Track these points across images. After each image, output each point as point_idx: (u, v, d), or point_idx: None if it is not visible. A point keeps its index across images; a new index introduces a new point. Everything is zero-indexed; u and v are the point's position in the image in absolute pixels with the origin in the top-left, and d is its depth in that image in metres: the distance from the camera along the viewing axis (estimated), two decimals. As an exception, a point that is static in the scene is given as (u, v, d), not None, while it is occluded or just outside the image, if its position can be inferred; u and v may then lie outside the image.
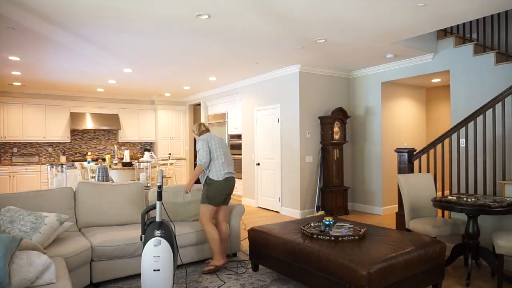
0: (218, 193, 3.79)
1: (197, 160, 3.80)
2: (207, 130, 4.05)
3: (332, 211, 6.47)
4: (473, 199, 3.57)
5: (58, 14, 3.85)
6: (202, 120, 9.90)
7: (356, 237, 3.15)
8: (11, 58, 5.69)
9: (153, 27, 4.31)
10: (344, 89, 7.13)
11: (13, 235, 2.28)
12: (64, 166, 7.05)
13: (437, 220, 3.91)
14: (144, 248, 2.75)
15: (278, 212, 6.98)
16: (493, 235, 3.33)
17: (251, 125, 7.78)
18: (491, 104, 4.19)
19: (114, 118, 9.83)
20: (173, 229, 3.36)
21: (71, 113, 9.28)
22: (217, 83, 8.27)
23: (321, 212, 6.54)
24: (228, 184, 3.84)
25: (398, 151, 4.99)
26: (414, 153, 4.96)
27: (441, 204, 3.58)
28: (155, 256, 2.72)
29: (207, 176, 3.81)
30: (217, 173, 3.78)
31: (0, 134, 8.47)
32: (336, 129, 6.60)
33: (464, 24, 5.70)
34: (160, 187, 2.81)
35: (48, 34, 4.53)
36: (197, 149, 3.87)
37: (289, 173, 6.68)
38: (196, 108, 11.27)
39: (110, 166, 7.36)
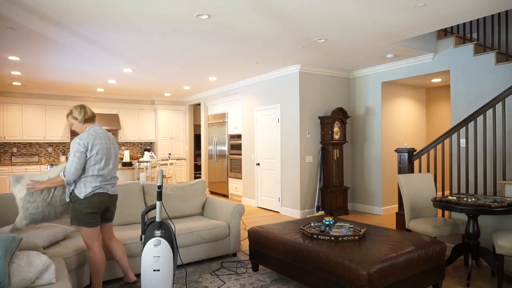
0: (85, 212, 2.93)
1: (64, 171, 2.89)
2: (93, 118, 3.11)
3: (332, 211, 6.47)
4: (473, 199, 3.57)
5: (58, 14, 3.84)
6: (202, 120, 9.89)
7: (356, 237, 3.15)
8: (11, 58, 5.69)
9: (153, 27, 4.31)
10: (344, 89, 7.13)
11: (13, 235, 2.27)
12: (64, 166, 7.04)
13: (437, 220, 3.91)
14: (144, 248, 2.74)
15: (278, 212, 6.98)
16: (493, 235, 3.33)
17: (251, 125, 7.78)
18: (491, 104, 4.19)
19: (114, 118, 9.83)
20: (173, 229, 3.36)
21: (71, 113, 9.26)
22: (217, 83, 8.27)
23: (321, 212, 6.54)
24: (95, 201, 2.95)
25: (398, 151, 4.99)
26: (414, 153, 4.96)
27: (441, 204, 3.58)
28: (155, 256, 2.71)
29: (72, 190, 2.94)
30: (85, 189, 2.91)
31: (0, 134, 8.47)
32: (336, 129, 6.60)
33: (464, 24, 5.70)
34: (160, 187, 2.81)
35: (48, 34, 4.53)
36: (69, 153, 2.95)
37: (289, 173, 6.68)
38: (196, 108, 11.27)
39: (110, 166, 7.35)
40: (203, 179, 4.85)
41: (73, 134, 9.60)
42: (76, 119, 3.03)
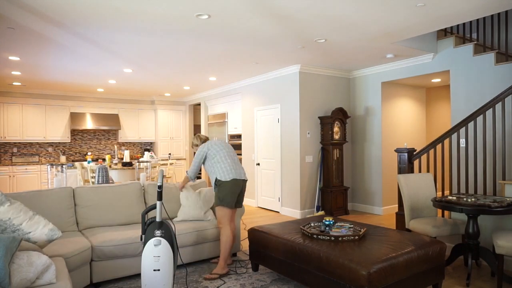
0: (229, 193, 3.67)
1: (188, 172, 3.87)
2: (207, 139, 4.06)
3: (332, 211, 6.47)
4: (473, 199, 3.57)
5: (58, 14, 3.85)
6: (202, 120, 9.90)
7: (356, 237, 3.15)
8: (11, 58, 5.69)
9: (153, 27, 4.31)
10: (344, 89, 7.13)
11: (13, 235, 2.27)
12: (64, 166, 7.06)
13: (437, 220, 3.91)
14: (144, 248, 2.75)
15: (278, 212, 6.98)
16: (493, 235, 3.33)
17: (251, 125, 7.78)
18: (491, 104, 4.19)
19: (114, 118, 9.83)
20: (174, 229, 3.37)
21: (71, 113, 9.28)
22: (217, 83, 8.27)
23: (321, 212, 6.54)
24: (237, 185, 3.73)
25: (398, 151, 5.00)
26: (414, 153, 4.96)
27: (441, 204, 3.58)
28: (155, 256, 2.72)
29: (215, 178, 3.73)
30: (224, 174, 3.69)
31: (0, 134, 8.47)
32: (336, 129, 6.60)
33: (464, 24, 5.70)
34: (160, 187, 2.81)
35: (48, 34, 4.53)
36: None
37: (289, 173, 6.68)
38: (196, 108, 11.27)
39: (110, 166, 7.37)
40: (204, 179, 4.86)
41: (74, 134, 9.61)
42: (196, 145, 4.04)
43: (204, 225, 4.08)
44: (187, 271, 3.82)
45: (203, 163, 3.83)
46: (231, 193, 3.68)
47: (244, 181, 3.81)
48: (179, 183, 4.06)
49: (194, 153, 4.05)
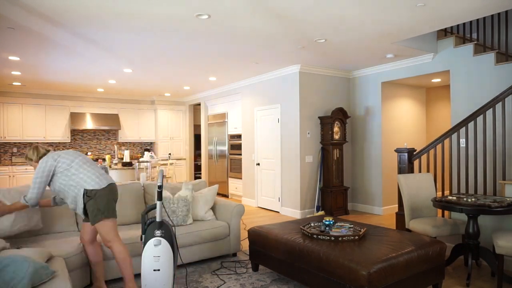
0: (109, 200, 2.96)
1: (27, 196, 2.89)
2: (47, 152, 3.06)
3: (332, 211, 6.47)
4: (473, 199, 3.57)
5: (58, 14, 3.85)
6: (202, 120, 9.90)
7: (356, 237, 3.15)
8: (11, 58, 5.69)
9: (153, 27, 4.31)
10: (344, 89, 7.13)
11: (47, 265, 2.32)
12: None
13: (437, 220, 3.91)
14: (144, 248, 2.74)
15: (278, 212, 6.98)
16: (493, 235, 3.33)
17: (251, 125, 7.78)
18: (491, 104, 4.19)
19: (114, 118, 9.83)
20: (174, 229, 3.36)
21: (71, 113, 9.28)
22: (217, 83, 8.27)
23: (321, 212, 6.54)
24: (115, 190, 3.06)
25: (398, 151, 4.99)
26: (414, 153, 4.96)
27: (441, 204, 3.58)
28: (155, 256, 2.71)
29: (84, 189, 2.88)
30: (97, 181, 2.93)
31: (0, 134, 8.47)
32: (336, 129, 6.60)
33: (464, 24, 5.70)
34: (160, 187, 2.81)
35: (48, 34, 4.53)
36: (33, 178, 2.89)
37: (289, 173, 6.68)
38: (196, 108, 11.27)
39: (110, 166, 7.37)
40: (204, 179, 4.85)
41: (74, 134, 9.60)
42: (31, 160, 3.03)
43: (204, 225, 4.08)
44: (187, 271, 3.82)
45: (50, 182, 2.94)
46: (113, 200, 3.00)
47: (116, 185, 3.11)
48: (2, 206, 3.07)
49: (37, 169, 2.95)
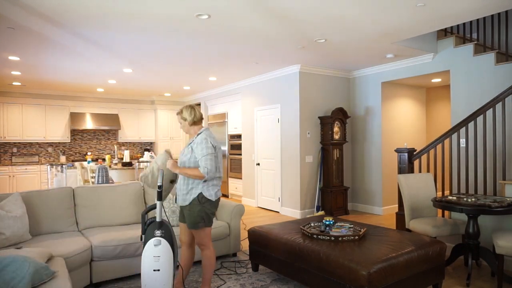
0: (213, 212, 3.01)
1: (201, 167, 2.82)
2: (202, 120, 3.09)
3: (332, 211, 6.47)
4: (473, 199, 3.57)
5: (58, 14, 3.84)
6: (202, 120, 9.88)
7: (356, 237, 3.15)
8: (11, 58, 5.69)
9: (153, 27, 4.31)
10: (344, 89, 7.13)
11: (47, 265, 2.31)
12: (64, 166, 7.06)
13: (437, 220, 3.91)
14: (144, 248, 2.74)
15: (278, 212, 6.98)
16: (493, 235, 3.33)
17: (251, 125, 7.78)
18: (491, 104, 4.19)
19: (114, 118, 9.83)
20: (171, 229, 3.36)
21: (71, 113, 9.28)
22: (217, 83, 8.27)
23: (321, 212, 6.54)
24: (218, 203, 3.08)
25: (398, 151, 4.99)
26: (414, 153, 4.96)
27: (441, 204, 3.58)
28: (155, 256, 2.71)
29: (200, 193, 2.89)
30: (215, 192, 2.96)
31: (0, 134, 8.47)
32: (336, 129, 6.60)
33: (464, 24, 5.70)
34: (160, 187, 2.81)
35: (48, 34, 4.53)
36: (196, 150, 2.89)
37: (289, 173, 6.68)
38: (196, 108, 11.26)
39: (110, 166, 7.37)
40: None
41: (74, 134, 9.60)
42: (186, 120, 3.01)
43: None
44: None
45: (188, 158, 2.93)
46: (214, 213, 3.04)
47: None
48: (182, 169, 2.91)
49: (180, 124, 3.03)
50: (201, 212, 2.90)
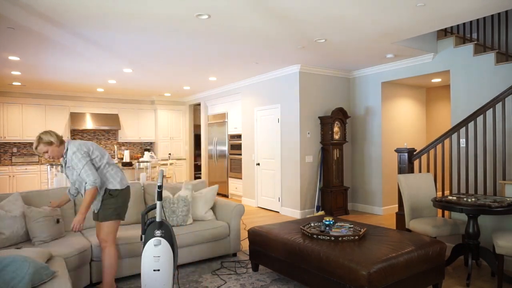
0: (126, 204, 3.09)
1: (87, 182, 2.84)
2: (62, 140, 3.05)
3: (332, 211, 6.47)
4: (473, 199, 3.57)
5: (58, 14, 3.84)
6: (202, 120, 9.90)
7: (356, 237, 3.15)
8: (11, 58, 5.69)
9: (153, 27, 4.31)
10: (344, 89, 7.13)
11: (47, 265, 2.30)
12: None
13: (437, 220, 3.91)
14: (144, 248, 2.74)
15: (278, 212, 6.98)
16: (493, 235, 3.33)
17: (251, 125, 7.78)
18: (491, 104, 4.19)
19: (114, 118, 9.83)
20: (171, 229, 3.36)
21: (71, 113, 9.28)
22: (217, 83, 8.27)
23: (321, 212, 6.54)
24: (129, 193, 3.18)
25: (398, 151, 4.99)
26: (414, 153, 4.96)
27: (441, 204, 3.58)
28: (155, 256, 2.71)
29: (106, 188, 2.98)
30: (120, 181, 3.05)
31: (0, 134, 8.47)
32: (336, 129, 6.60)
33: (464, 24, 5.70)
34: (160, 187, 2.81)
35: (48, 34, 4.53)
36: (73, 166, 2.90)
37: (289, 173, 6.68)
38: (196, 108, 11.27)
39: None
40: (204, 179, 4.86)
41: (74, 134, 9.60)
42: (51, 143, 2.93)
43: (204, 225, 4.08)
44: (188, 271, 3.81)
45: (66, 171, 2.99)
46: (126, 203, 3.12)
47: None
48: (79, 214, 2.88)
49: (46, 152, 2.94)
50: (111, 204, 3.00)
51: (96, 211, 3.05)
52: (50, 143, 2.92)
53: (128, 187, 3.13)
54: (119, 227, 3.88)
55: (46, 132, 2.95)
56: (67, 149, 2.97)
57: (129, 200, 3.15)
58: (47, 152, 2.94)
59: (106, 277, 3.03)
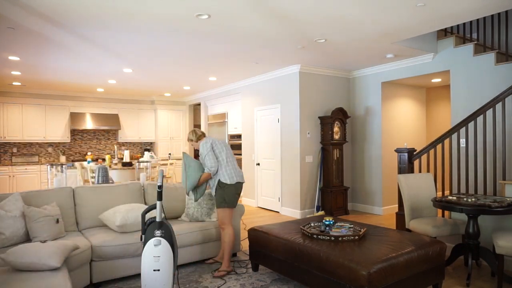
0: (234, 194, 3.76)
1: (206, 167, 3.71)
2: (204, 135, 3.97)
3: (332, 211, 6.47)
4: (473, 199, 3.57)
5: (58, 14, 3.85)
6: (202, 120, 9.91)
7: (356, 237, 3.15)
8: (11, 58, 5.69)
9: (153, 27, 4.31)
10: (344, 89, 7.13)
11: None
12: (64, 166, 7.06)
13: (437, 220, 3.91)
14: (144, 248, 2.74)
15: (278, 212, 6.98)
16: (493, 235, 3.33)
17: (251, 125, 7.78)
18: (491, 104, 4.19)
19: (114, 118, 9.83)
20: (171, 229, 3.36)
21: (71, 113, 9.28)
22: (217, 83, 8.27)
23: (321, 212, 6.54)
24: (240, 186, 3.83)
25: (398, 151, 4.99)
26: (414, 153, 4.96)
27: (441, 204, 3.58)
28: (155, 256, 2.71)
29: (219, 180, 3.73)
30: (230, 177, 3.73)
31: (0, 134, 8.47)
32: (336, 129, 6.60)
33: (464, 24, 5.70)
34: (160, 187, 2.81)
35: (48, 34, 4.53)
36: (201, 154, 3.76)
37: (289, 173, 6.68)
38: (196, 108, 11.27)
39: (110, 166, 7.37)
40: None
41: (73, 134, 9.61)
42: (191, 140, 3.93)
43: (205, 225, 4.08)
44: (187, 271, 3.81)
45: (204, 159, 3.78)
46: (236, 195, 3.78)
47: (243, 183, 3.92)
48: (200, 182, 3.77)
49: (195, 150, 3.93)
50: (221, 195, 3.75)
51: (213, 195, 3.84)
52: (190, 140, 3.96)
53: (236, 183, 3.75)
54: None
55: (191, 133, 3.96)
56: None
57: (239, 193, 3.81)
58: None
59: (226, 251, 3.75)
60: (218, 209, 3.75)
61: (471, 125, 4.93)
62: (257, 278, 3.61)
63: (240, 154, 8.29)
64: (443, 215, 4.69)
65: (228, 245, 3.75)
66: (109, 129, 10.02)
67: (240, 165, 8.33)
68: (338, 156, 6.68)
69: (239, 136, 8.37)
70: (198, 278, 3.63)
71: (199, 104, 10.65)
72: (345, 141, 6.72)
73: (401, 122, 7.01)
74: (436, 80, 6.57)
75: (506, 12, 5.32)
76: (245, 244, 4.72)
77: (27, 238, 3.32)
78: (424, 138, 7.42)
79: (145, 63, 6.16)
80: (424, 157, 6.78)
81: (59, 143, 9.46)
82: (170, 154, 10.50)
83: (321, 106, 6.77)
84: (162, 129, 10.53)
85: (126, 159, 8.35)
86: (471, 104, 5.26)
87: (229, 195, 3.71)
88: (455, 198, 3.71)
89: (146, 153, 8.47)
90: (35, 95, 8.88)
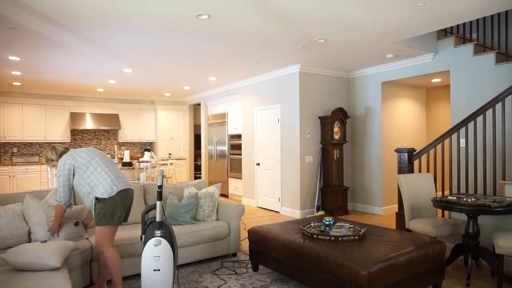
0: (119, 207, 2.95)
1: (57, 198, 2.99)
2: (68, 149, 3.13)
3: (332, 211, 6.47)
4: (473, 199, 3.57)
5: (58, 14, 3.85)
6: (202, 120, 9.91)
7: (356, 237, 3.15)
8: (11, 58, 5.69)
9: (153, 27, 4.31)
10: (344, 89, 7.13)
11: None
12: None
13: (437, 220, 3.91)
14: (144, 248, 2.74)
15: (278, 212, 6.98)
16: (493, 235, 3.33)
17: (251, 125, 7.78)
18: (491, 104, 4.19)
19: (114, 118, 9.83)
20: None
21: (71, 113, 9.28)
22: (217, 83, 8.27)
23: (321, 212, 6.54)
24: (126, 195, 3.03)
25: (398, 151, 4.99)
26: (414, 153, 4.96)
27: (441, 204, 3.58)
28: (155, 256, 2.71)
29: (95, 197, 2.91)
30: (108, 189, 2.92)
31: (0, 134, 8.47)
32: (336, 129, 6.60)
33: (464, 24, 5.70)
34: (160, 187, 2.81)
35: (48, 34, 4.53)
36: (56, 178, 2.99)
37: (289, 173, 6.68)
38: (196, 108, 11.27)
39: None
40: (204, 179, 4.86)
41: (74, 134, 9.61)
42: (51, 161, 3.11)
43: (205, 225, 4.08)
44: (187, 271, 3.82)
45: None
46: (122, 207, 2.98)
47: (132, 190, 3.13)
48: (52, 223, 3.15)
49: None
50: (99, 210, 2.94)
51: (93, 215, 3.02)
52: (51, 160, 3.12)
53: (118, 193, 2.94)
54: (119, 227, 3.88)
55: (47, 150, 3.16)
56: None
57: (124, 204, 2.98)
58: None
59: (113, 277, 3.00)
60: (97, 227, 2.92)
61: (471, 125, 4.93)
62: (257, 278, 3.61)
63: (240, 154, 8.29)
64: (443, 215, 4.69)
65: (114, 269, 2.96)
66: (109, 129, 10.02)
67: (240, 165, 8.32)
68: (338, 156, 6.68)
69: (239, 136, 8.37)
70: (198, 278, 3.63)
71: (199, 104, 10.65)
72: (345, 141, 6.72)
73: (401, 122, 7.01)
74: (436, 80, 6.57)
75: (506, 12, 5.31)
76: (245, 244, 4.72)
77: (27, 238, 3.30)
78: (424, 138, 7.42)
79: (145, 63, 6.16)
80: (424, 157, 6.78)
81: (59, 143, 9.45)
82: (170, 154, 10.50)
83: (321, 106, 6.77)
84: (162, 129, 10.52)
85: (126, 159, 8.35)
86: (471, 104, 5.26)
87: (110, 209, 2.89)
88: (455, 198, 3.71)
89: (146, 153, 8.47)
90: (35, 95, 8.88)
